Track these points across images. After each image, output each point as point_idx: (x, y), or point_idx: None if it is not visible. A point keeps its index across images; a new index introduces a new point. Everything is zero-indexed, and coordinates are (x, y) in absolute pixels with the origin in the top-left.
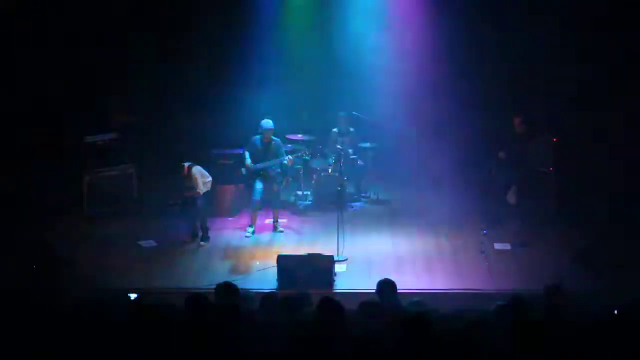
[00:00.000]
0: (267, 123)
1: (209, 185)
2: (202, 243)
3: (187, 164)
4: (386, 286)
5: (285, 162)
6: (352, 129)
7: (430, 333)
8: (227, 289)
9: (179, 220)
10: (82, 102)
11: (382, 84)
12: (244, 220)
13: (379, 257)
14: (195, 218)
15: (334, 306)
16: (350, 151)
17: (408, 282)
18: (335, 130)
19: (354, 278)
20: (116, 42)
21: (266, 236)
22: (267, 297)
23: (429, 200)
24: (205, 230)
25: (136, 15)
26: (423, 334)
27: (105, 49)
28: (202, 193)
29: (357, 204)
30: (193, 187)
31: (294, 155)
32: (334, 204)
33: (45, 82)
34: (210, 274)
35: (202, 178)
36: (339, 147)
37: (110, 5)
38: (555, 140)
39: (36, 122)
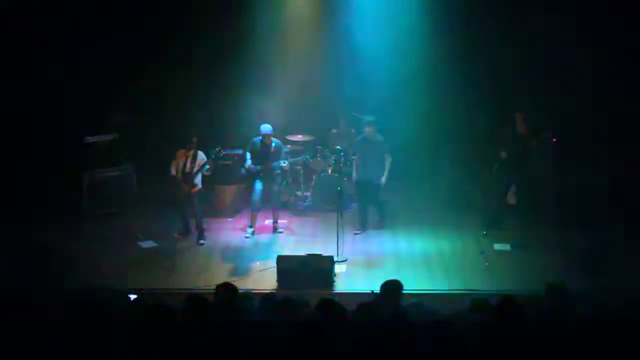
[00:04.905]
0: (266, 128)
1: (206, 175)
2: (201, 242)
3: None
4: (391, 287)
5: (282, 165)
6: (352, 130)
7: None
8: (227, 290)
9: (174, 217)
10: (82, 102)
11: (382, 85)
12: (244, 220)
13: (379, 257)
14: (189, 215)
15: (334, 307)
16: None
17: (408, 282)
18: (334, 131)
19: (353, 278)
20: (116, 43)
21: (266, 237)
22: (266, 298)
23: (429, 200)
24: (201, 230)
25: (136, 16)
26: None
27: (105, 49)
28: (200, 185)
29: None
30: (193, 175)
31: (293, 160)
32: (334, 204)
33: (45, 82)
34: (209, 274)
35: (205, 163)
36: (338, 147)
37: (110, 5)
38: (555, 140)
39: (36, 122)
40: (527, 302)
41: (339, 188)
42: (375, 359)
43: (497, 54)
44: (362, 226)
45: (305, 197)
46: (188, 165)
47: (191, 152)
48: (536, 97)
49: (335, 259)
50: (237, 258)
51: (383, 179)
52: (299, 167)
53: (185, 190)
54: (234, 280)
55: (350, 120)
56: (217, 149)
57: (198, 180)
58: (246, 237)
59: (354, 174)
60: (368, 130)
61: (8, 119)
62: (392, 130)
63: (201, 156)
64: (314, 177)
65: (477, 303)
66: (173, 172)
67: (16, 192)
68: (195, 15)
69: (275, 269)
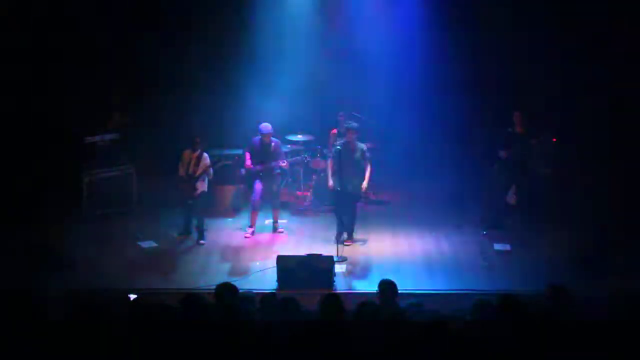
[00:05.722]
0: (265, 127)
1: (208, 178)
2: (201, 242)
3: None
4: (386, 286)
5: (281, 164)
6: None
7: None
8: (227, 290)
9: (174, 217)
10: (82, 102)
11: (382, 84)
12: (244, 220)
13: (379, 257)
14: (192, 217)
15: (336, 305)
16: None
17: (408, 282)
18: (334, 131)
19: (353, 278)
20: (116, 43)
21: (266, 236)
22: (266, 297)
23: (429, 200)
24: (202, 231)
25: (136, 15)
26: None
27: (105, 49)
28: (205, 187)
29: (357, 204)
30: (195, 177)
31: (293, 158)
32: (334, 204)
33: (45, 82)
34: (209, 274)
35: (208, 167)
36: (338, 147)
37: (110, 5)
38: (555, 140)
39: (36, 122)
40: (528, 301)
41: (338, 188)
42: (375, 358)
43: (498, 53)
44: (340, 236)
45: (305, 197)
46: (191, 167)
47: (196, 154)
48: (536, 97)
49: (335, 258)
50: (237, 258)
51: (364, 184)
52: (299, 167)
53: (187, 192)
54: (234, 280)
55: (350, 120)
56: (215, 159)
57: (201, 182)
58: (246, 237)
59: (330, 182)
60: (349, 136)
61: (8, 119)
62: (392, 130)
63: (206, 159)
64: (314, 177)
65: (479, 304)
66: (181, 172)
67: (16, 192)
68: (195, 15)
69: (275, 269)
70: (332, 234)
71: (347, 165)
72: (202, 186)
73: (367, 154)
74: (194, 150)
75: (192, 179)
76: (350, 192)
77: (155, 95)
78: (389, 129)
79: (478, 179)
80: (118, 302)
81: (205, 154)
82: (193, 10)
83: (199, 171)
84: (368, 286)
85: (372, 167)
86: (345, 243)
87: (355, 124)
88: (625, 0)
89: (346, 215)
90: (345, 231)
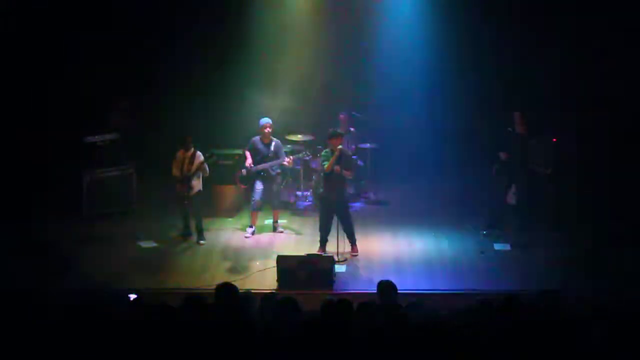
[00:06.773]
0: (265, 119)
1: (204, 175)
2: (201, 242)
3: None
4: (386, 287)
5: (285, 162)
6: (352, 129)
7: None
8: (227, 290)
9: (174, 217)
10: (82, 102)
11: (382, 84)
12: (244, 220)
13: (379, 257)
14: (190, 217)
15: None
16: (353, 147)
17: (408, 282)
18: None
19: (353, 278)
20: (116, 42)
21: (266, 236)
22: (266, 297)
23: (429, 200)
24: (201, 231)
25: (135, 15)
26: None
27: (105, 49)
28: (200, 185)
29: (357, 204)
30: (190, 176)
31: (294, 155)
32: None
33: (45, 82)
34: (209, 274)
35: (202, 163)
36: (338, 147)
37: (110, 5)
38: (555, 140)
39: (36, 122)
40: (528, 301)
41: (321, 192)
42: (375, 359)
43: (499, 53)
44: (324, 245)
45: (305, 197)
46: (186, 166)
47: (190, 153)
48: (536, 97)
49: (335, 258)
50: (237, 258)
51: (331, 164)
52: (298, 167)
53: (184, 191)
54: (234, 280)
55: (350, 120)
56: (207, 154)
57: (197, 181)
58: (246, 237)
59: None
60: (336, 142)
61: (8, 119)
62: (393, 130)
63: (200, 156)
64: (314, 177)
65: (479, 304)
66: (176, 172)
67: (17, 191)
68: (195, 15)
69: (275, 269)
70: (333, 234)
71: (331, 172)
72: (198, 185)
73: (351, 160)
74: (186, 150)
75: (187, 178)
76: (335, 200)
77: (155, 96)
78: (389, 129)
79: (478, 179)
80: (118, 302)
81: (199, 153)
82: (193, 10)
83: (194, 169)
84: (368, 286)
85: (353, 172)
86: (353, 254)
87: (339, 130)
88: (626, 1)
89: (343, 224)
90: (350, 241)
